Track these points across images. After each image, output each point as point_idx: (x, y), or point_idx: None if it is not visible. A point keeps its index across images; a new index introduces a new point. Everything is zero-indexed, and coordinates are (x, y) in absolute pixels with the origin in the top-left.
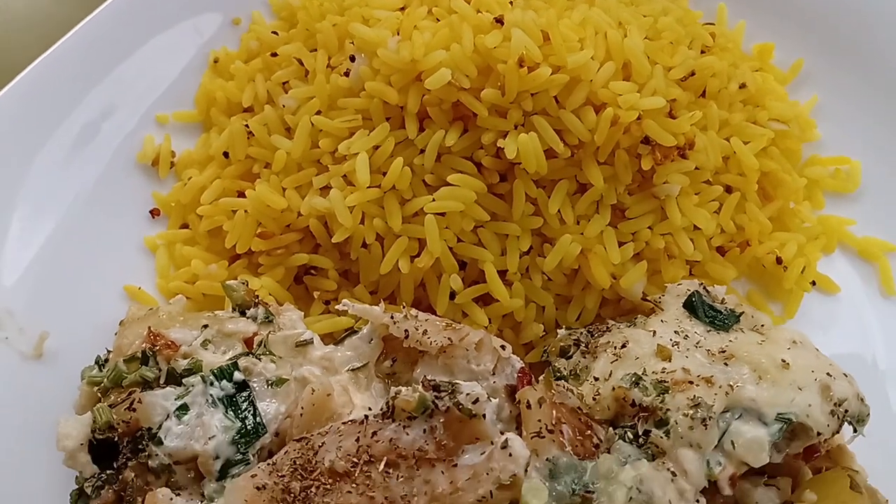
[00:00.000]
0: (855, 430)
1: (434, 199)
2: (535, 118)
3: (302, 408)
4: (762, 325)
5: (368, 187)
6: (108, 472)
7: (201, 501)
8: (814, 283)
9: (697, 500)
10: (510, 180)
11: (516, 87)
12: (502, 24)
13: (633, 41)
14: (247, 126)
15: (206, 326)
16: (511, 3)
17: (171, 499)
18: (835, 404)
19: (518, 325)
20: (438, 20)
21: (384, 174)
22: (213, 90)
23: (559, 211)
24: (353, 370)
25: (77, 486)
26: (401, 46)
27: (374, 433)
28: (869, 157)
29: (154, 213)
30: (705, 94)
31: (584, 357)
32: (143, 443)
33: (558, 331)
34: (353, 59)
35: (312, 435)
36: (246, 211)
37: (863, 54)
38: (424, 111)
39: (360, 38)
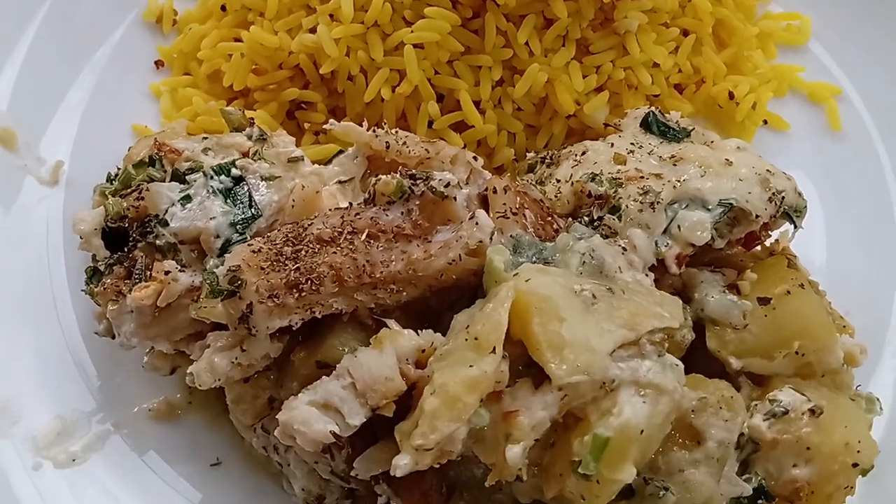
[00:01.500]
0: (795, 226)
1: (412, 31)
2: None
3: (293, 200)
4: (711, 142)
5: (352, 22)
6: (119, 253)
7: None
8: (765, 122)
9: (646, 274)
10: (482, 16)
11: None
12: None
13: None
14: None
15: (206, 138)
16: None
17: (177, 269)
18: (773, 193)
19: (491, 151)
20: None
21: (366, 11)
22: None
23: (527, 43)
24: (340, 182)
25: (91, 265)
26: None
27: (357, 214)
28: (819, 13)
29: (158, 63)
30: None
31: (549, 168)
32: (151, 226)
33: (528, 154)
34: None
35: (302, 220)
36: (242, 54)
37: None
38: None
39: None
